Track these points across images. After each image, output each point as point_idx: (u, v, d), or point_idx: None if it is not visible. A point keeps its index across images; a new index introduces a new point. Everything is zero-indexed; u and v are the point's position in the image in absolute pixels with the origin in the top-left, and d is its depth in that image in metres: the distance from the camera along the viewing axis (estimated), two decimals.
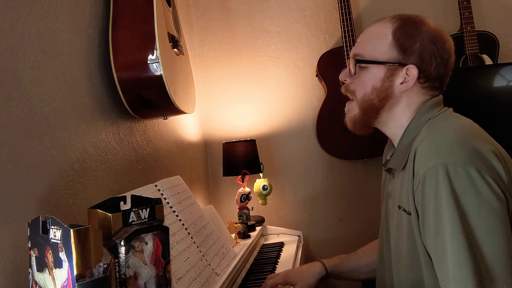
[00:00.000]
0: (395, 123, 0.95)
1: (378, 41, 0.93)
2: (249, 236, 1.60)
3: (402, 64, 0.90)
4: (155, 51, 1.08)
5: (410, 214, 0.84)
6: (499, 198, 0.74)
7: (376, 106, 0.94)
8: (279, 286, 1.14)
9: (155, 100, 1.16)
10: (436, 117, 0.90)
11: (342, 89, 1.01)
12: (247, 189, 1.72)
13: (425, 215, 0.79)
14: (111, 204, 0.78)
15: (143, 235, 0.75)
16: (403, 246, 0.88)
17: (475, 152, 0.77)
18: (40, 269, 0.67)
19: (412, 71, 0.90)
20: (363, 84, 0.95)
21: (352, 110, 0.98)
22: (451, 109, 0.95)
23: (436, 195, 0.76)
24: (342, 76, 1.00)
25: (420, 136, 0.87)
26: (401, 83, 0.91)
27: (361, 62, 0.95)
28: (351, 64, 0.97)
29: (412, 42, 0.90)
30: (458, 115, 0.94)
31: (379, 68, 0.92)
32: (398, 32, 0.92)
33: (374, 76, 0.93)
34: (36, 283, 0.68)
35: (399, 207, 0.89)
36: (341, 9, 1.80)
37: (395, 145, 0.97)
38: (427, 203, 0.78)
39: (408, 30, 0.91)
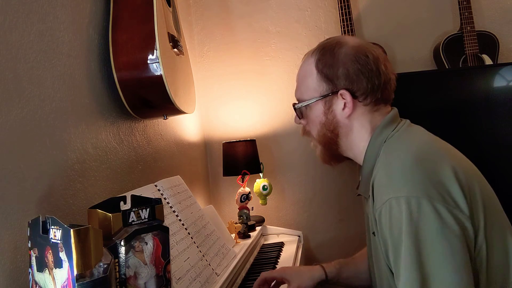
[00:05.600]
0: (356, 148, 0.95)
1: (307, 79, 0.97)
2: (249, 236, 1.59)
3: (334, 92, 0.92)
4: (155, 51, 1.08)
5: (381, 243, 0.84)
6: (452, 231, 0.72)
7: (332, 138, 0.96)
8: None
9: (155, 100, 1.16)
10: (391, 137, 0.89)
11: (301, 132, 1.06)
12: (247, 189, 1.72)
13: (387, 250, 0.78)
14: (111, 204, 0.78)
15: (143, 235, 0.75)
16: (382, 268, 0.88)
17: (429, 180, 0.75)
18: (40, 269, 0.67)
19: (346, 94, 0.91)
20: (312, 123, 0.99)
21: (317, 148, 1.02)
22: (407, 122, 0.94)
23: (391, 231, 0.75)
24: (296, 121, 1.05)
25: (378, 162, 0.87)
26: (343, 109, 0.92)
27: (299, 105, 0.99)
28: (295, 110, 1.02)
29: (335, 69, 0.92)
30: (415, 130, 0.92)
31: (318, 104, 0.95)
32: (320, 64, 0.94)
33: (317, 112, 0.96)
34: (36, 283, 0.68)
35: (373, 233, 0.89)
36: (341, 9, 1.80)
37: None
38: (386, 239, 0.77)
39: (327, 59, 0.93)
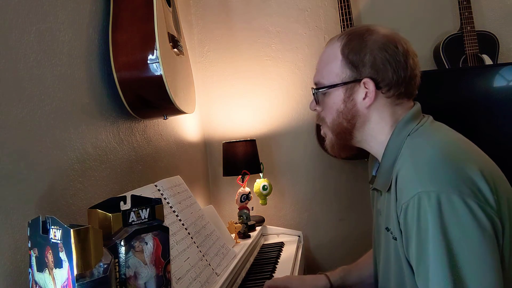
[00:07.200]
0: (374, 140, 0.91)
1: (331, 63, 0.92)
2: (249, 236, 1.60)
3: (357, 80, 0.88)
4: (155, 51, 1.08)
5: (396, 240, 0.82)
6: (483, 226, 0.70)
7: (347, 128, 0.92)
8: None
9: (155, 100, 1.16)
10: (415, 132, 0.86)
11: (315, 119, 1.00)
12: (247, 189, 1.73)
13: (409, 244, 0.77)
14: (111, 204, 0.78)
15: (143, 235, 0.75)
16: (391, 268, 0.86)
17: (459, 175, 0.73)
18: (40, 269, 0.67)
19: (369, 83, 0.87)
20: (329, 109, 0.94)
21: (327, 135, 0.97)
22: (431, 118, 0.91)
23: (418, 225, 0.73)
24: (311, 106, 0.99)
25: (401, 156, 0.84)
26: (364, 99, 0.88)
27: (319, 90, 0.94)
28: (313, 94, 0.97)
29: (361, 56, 0.87)
30: (439, 126, 0.90)
31: (338, 90, 0.90)
32: (346, 49, 0.89)
33: (335, 99, 0.91)
34: (36, 283, 0.68)
35: (387, 228, 0.87)
36: (341, 9, 1.80)
37: (379, 163, 0.93)
38: (410, 233, 0.75)
39: (355, 45, 0.89)
